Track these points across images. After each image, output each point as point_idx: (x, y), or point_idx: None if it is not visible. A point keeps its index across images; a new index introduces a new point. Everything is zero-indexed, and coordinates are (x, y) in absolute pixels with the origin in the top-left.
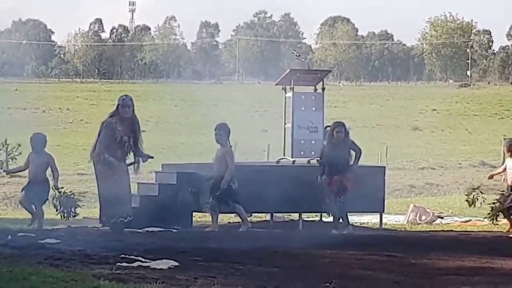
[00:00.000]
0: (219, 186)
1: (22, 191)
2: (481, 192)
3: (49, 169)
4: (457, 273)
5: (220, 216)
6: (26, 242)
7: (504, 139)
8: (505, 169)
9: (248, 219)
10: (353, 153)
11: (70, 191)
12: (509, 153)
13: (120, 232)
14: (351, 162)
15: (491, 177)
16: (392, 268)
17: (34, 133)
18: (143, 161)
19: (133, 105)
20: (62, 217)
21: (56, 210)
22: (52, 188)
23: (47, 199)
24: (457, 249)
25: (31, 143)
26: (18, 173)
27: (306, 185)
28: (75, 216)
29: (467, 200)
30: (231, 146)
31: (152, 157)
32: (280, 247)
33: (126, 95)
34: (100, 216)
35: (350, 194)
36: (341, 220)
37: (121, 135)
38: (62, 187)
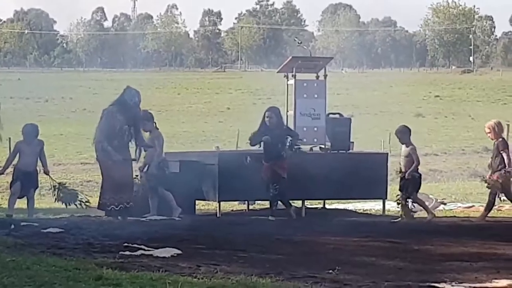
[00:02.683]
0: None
1: (16, 181)
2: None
3: None
4: (459, 259)
5: (223, 204)
6: (29, 231)
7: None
8: None
9: (251, 207)
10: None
11: (64, 183)
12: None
13: (121, 219)
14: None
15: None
16: (395, 254)
17: (26, 124)
18: (144, 151)
19: (140, 100)
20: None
21: (66, 206)
22: (46, 173)
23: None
24: (460, 235)
25: (23, 133)
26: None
27: (309, 172)
28: (87, 203)
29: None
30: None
31: (152, 147)
32: (283, 234)
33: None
34: (99, 201)
35: (285, 181)
36: (276, 207)
37: (121, 124)
38: (60, 182)
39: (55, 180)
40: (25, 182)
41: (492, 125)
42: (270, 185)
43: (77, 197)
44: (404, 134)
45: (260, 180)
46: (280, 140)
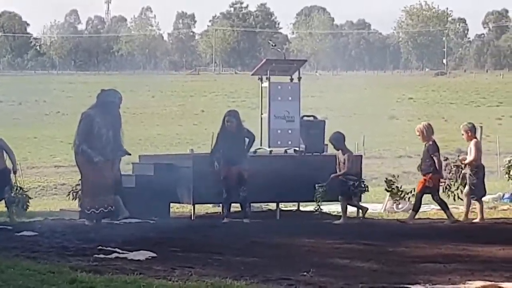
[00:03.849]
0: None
1: None
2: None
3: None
4: (433, 260)
5: (198, 206)
6: (3, 235)
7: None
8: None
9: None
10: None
11: (20, 187)
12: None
13: (99, 223)
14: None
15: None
16: (369, 256)
17: None
18: (120, 156)
19: (121, 102)
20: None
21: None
22: (13, 172)
23: (11, 187)
24: (434, 237)
25: None
26: None
27: (284, 175)
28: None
29: None
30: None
31: (130, 154)
32: (258, 237)
33: (115, 92)
34: (80, 206)
35: (249, 183)
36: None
37: (99, 127)
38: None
39: (17, 181)
40: None
41: (421, 128)
42: (239, 188)
43: (21, 203)
44: (338, 141)
45: (227, 184)
46: (242, 143)
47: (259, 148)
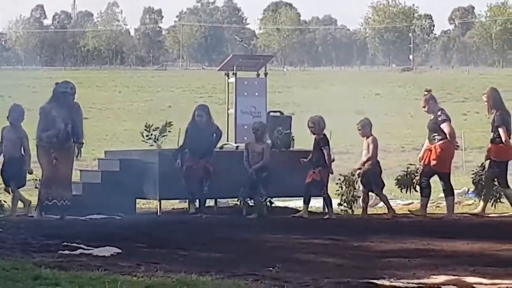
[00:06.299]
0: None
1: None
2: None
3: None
4: (398, 255)
5: (164, 202)
6: None
7: None
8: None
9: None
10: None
11: None
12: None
13: (59, 217)
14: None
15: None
16: (335, 251)
17: (13, 104)
18: (78, 147)
19: (75, 93)
20: None
21: None
22: (28, 172)
23: (25, 179)
24: (399, 232)
25: (9, 115)
26: None
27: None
28: None
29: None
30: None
31: (82, 143)
32: (224, 232)
33: (67, 82)
34: (38, 199)
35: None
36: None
37: (56, 121)
38: None
39: None
40: (8, 173)
41: (314, 121)
42: (204, 183)
43: None
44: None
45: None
46: (210, 137)
47: (226, 144)
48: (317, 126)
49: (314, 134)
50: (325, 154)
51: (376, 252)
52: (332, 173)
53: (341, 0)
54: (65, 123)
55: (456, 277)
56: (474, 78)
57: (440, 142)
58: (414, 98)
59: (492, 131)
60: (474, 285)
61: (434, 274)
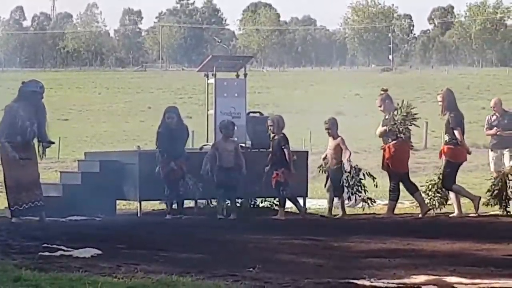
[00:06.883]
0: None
1: None
2: None
3: None
4: (378, 255)
5: (144, 203)
6: None
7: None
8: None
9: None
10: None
11: None
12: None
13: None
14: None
15: None
16: (315, 252)
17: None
18: (45, 147)
19: (43, 92)
20: None
21: None
22: None
23: None
24: (379, 232)
25: None
26: None
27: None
28: None
29: None
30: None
31: (53, 143)
32: (204, 233)
33: (36, 81)
34: (8, 205)
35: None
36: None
37: (23, 120)
38: None
39: None
40: None
41: (274, 120)
42: (180, 183)
43: None
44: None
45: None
46: (182, 138)
47: (205, 145)
48: (276, 125)
49: (273, 133)
50: (286, 154)
51: (356, 252)
52: (293, 172)
53: (321, 1)
54: (31, 122)
55: (437, 277)
56: (453, 78)
57: (394, 142)
58: (394, 98)
59: (446, 133)
60: (455, 285)
61: (414, 274)
